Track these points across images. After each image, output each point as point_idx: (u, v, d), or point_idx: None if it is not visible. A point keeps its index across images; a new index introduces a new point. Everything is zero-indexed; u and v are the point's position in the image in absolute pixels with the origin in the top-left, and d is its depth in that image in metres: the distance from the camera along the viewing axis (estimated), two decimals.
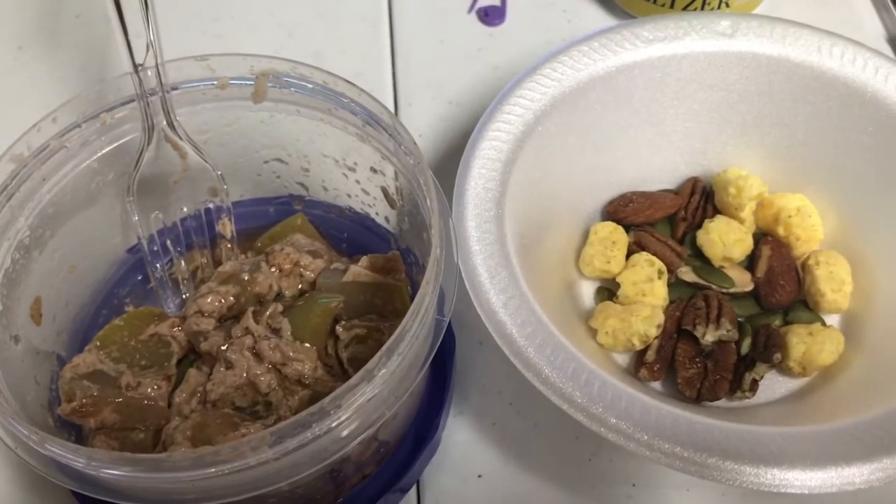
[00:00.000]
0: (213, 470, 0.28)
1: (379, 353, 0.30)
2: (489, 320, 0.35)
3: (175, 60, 0.37)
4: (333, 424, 0.29)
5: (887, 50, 0.53)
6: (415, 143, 0.35)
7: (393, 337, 0.30)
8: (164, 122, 0.38)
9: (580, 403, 0.33)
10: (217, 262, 0.42)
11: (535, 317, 0.35)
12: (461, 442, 0.40)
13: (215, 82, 0.38)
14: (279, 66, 0.38)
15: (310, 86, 0.38)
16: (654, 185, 0.46)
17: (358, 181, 0.41)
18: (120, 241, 0.42)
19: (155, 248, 0.41)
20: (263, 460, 0.28)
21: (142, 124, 0.38)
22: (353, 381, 0.29)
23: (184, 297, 0.42)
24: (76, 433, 0.37)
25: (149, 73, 0.36)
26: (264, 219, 0.44)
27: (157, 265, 0.41)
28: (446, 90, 0.52)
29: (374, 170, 0.40)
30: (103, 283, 0.42)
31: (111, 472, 0.28)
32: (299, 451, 0.29)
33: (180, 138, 0.39)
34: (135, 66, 0.36)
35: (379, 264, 0.40)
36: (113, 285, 0.42)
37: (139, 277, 0.42)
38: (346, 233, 0.44)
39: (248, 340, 0.37)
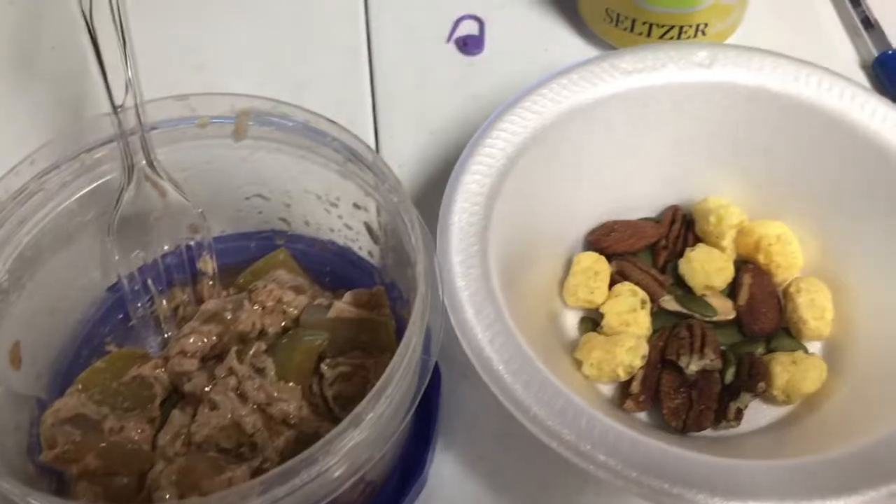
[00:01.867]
0: None
1: (367, 397, 0.30)
2: (475, 357, 0.35)
3: (155, 101, 0.37)
4: (322, 470, 0.29)
5: (861, 75, 0.54)
6: (398, 181, 0.35)
7: (381, 380, 0.30)
8: (144, 162, 0.38)
9: (569, 441, 0.33)
10: (199, 300, 0.42)
11: (521, 353, 0.35)
12: (448, 477, 0.39)
13: (195, 121, 0.38)
14: (260, 105, 0.38)
15: (290, 124, 0.38)
16: (635, 213, 0.46)
17: (340, 216, 0.41)
18: (99, 281, 0.42)
19: (136, 287, 0.40)
20: None
21: (121, 164, 0.37)
22: (341, 426, 0.29)
23: (165, 335, 0.41)
24: (57, 479, 0.36)
25: (128, 112, 0.36)
26: (246, 254, 0.43)
27: (139, 304, 0.41)
28: (426, 120, 0.52)
29: (356, 206, 0.40)
30: (83, 324, 0.41)
31: None
32: (288, 498, 0.29)
33: (160, 177, 0.38)
34: (114, 107, 0.36)
35: (363, 300, 0.40)
36: (93, 325, 0.41)
37: (120, 316, 0.42)
38: (329, 266, 0.43)
39: (233, 381, 0.37)
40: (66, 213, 0.38)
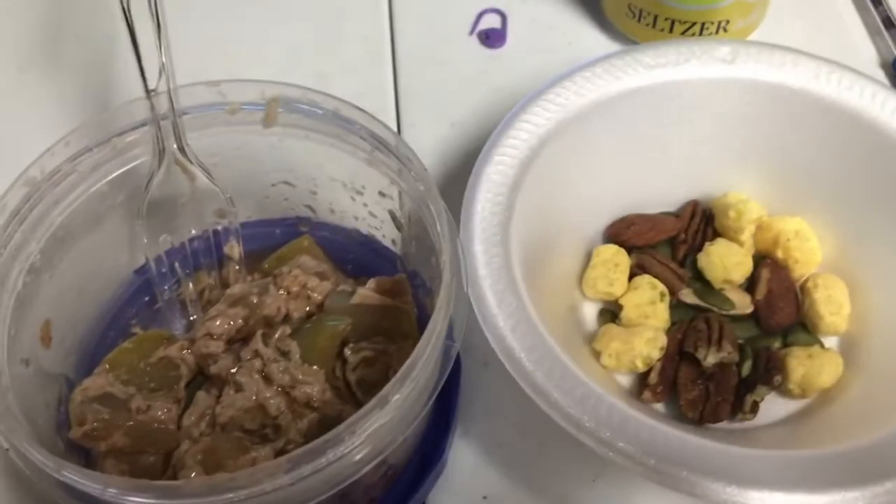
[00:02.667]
0: (229, 496, 0.28)
1: (392, 381, 0.30)
2: (498, 346, 0.35)
3: (187, 86, 0.38)
4: (347, 450, 0.29)
5: (881, 74, 0.54)
6: (425, 170, 0.36)
7: (406, 364, 0.31)
8: (175, 146, 0.38)
9: (588, 428, 0.34)
10: (224, 284, 0.42)
11: (543, 342, 0.36)
12: (467, 463, 0.40)
13: (226, 107, 0.39)
14: (290, 93, 0.38)
15: (320, 111, 0.39)
16: (654, 207, 0.47)
17: (366, 204, 0.42)
18: (127, 263, 0.42)
19: (163, 270, 0.41)
20: (279, 486, 0.29)
21: (153, 148, 0.38)
22: (366, 407, 0.30)
23: (191, 318, 0.42)
24: (85, 456, 0.37)
25: (160, 97, 0.37)
26: (271, 240, 0.44)
27: (165, 286, 0.42)
28: (448, 112, 0.53)
29: (382, 194, 0.40)
30: (111, 305, 0.42)
31: (128, 499, 0.28)
32: (313, 477, 0.29)
33: (190, 162, 0.39)
34: (147, 91, 0.37)
35: (386, 287, 0.40)
36: (120, 307, 0.42)
37: (146, 299, 0.42)
38: (352, 254, 0.44)
39: (258, 363, 0.37)
40: (98, 195, 0.38)
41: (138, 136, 0.38)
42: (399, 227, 0.41)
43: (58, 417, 0.37)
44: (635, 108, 0.44)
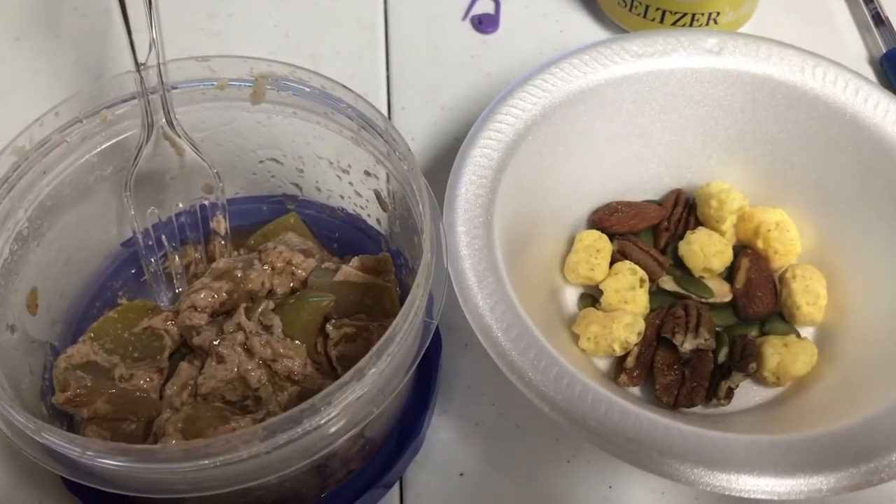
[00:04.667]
0: (205, 462, 0.29)
1: (369, 354, 0.31)
2: (476, 324, 0.36)
3: (176, 60, 0.38)
4: (323, 421, 0.30)
5: (868, 69, 0.55)
6: (409, 150, 0.36)
7: (383, 338, 0.31)
8: (164, 120, 0.39)
9: (561, 407, 0.34)
10: (210, 258, 0.43)
11: (520, 321, 0.36)
12: (444, 440, 0.41)
13: (215, 83, 0.39)
14: (278, 70, 0.39)
15: (307, 89, 0.39)
16: (638, 195, 0.47)
17: (351, 183, 0.42)
18: (115, 235, 0.43)
19: (150, 243, 0.42)
20: (254, 454, 0.29)
21: (142, 121, 0.39)
22: (343, 379, 0.30)
23: (177, 291, 0.43)
24: (68, 422, 0.38)
25: (150, 71, 0.37)
26: (258, 216, 0.44)
27: (152, 259, 0.42)
28: (439, 95, 0.53)
29: (367, 173, 0.41)
30: (97, 275, 0.42)
31: (105, 462, 0.29)
32: (289, 446, 0.30)
33: (178, 136, 0.40)
34: (137, 65, 0.37)
35: (369, 265, 0.41)
36: (107, 277, 0.42)
37: (133, 271, 0.43)
38: (337, 233, 0.44)
39: (240, 336, 0.38)
40: (87, 166, 0.39)
41: (128, 108, 0.39)
42: (384, 206, 0.41)
43: (42, 384, 0.38)
44: (622, 96, 0.44)
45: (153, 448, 0.29)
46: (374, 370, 0.31)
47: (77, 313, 0.41)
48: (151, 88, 0.38)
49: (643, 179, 0.47)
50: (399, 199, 0.39)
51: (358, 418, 0.32)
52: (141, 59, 0.37)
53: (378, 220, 0.43)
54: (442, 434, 0.41)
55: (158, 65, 0.37)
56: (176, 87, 0.39)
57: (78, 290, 0.41)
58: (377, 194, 0.41)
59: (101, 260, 0.43)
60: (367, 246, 0.43)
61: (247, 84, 0.39)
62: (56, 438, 0.29)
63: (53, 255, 0.39)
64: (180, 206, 0.42)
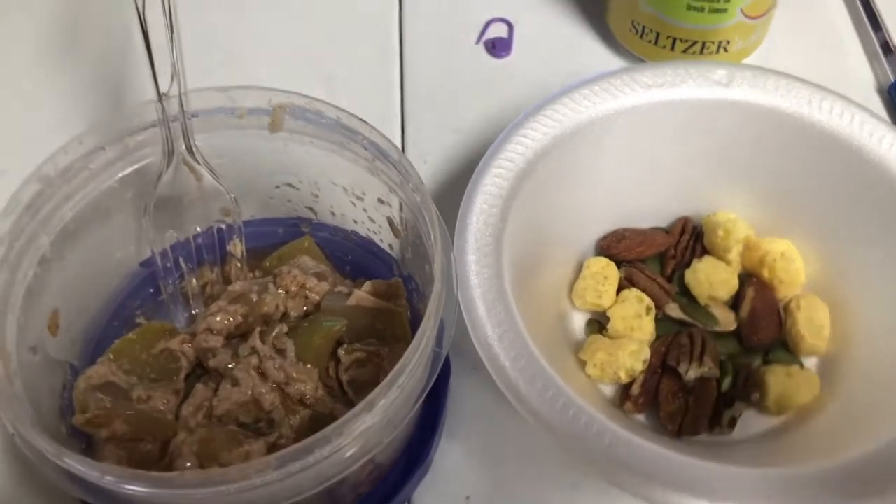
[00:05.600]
0: (220, 489, 0.30)
1: (381, 385, 0.32)
2: (485, 353, 0.37)
3: (197, 91, 0.39)
4: (335, 450, 0.31)
5: (877, 98, 0.55)
6: (421, 181, 0.37)
7: (394, 370, 0.32)
8: (184, 147, 0.40)
9: (566, 437, 0.35)
10: (226, 280, 0.44)
11: (528, 351, 0.37)
12: (452, 464, 0.42)
13: (234, 111, 0.40)
14: (296, 101, 0.40)
15: (324, 120, 0.40)
16: (646, 222, 0.48)
17: (365, 209, 0.43)
18: (134, 255, 0.44)
19: (168, 265, 0.43)
20: (267, 481, 0.30)
21: (162, 148, 0.40)
22: (354, 410, 0.31)
23: (193, 311, 0.44)
24: (86, 441, 0.39)
25: (171, 100, 0.38)
26: (273, 238, 0.45)
27: (169, 280, 0.43)
28: (453, 119, 0.54)
29: (381, 201, 0.42)
30: (116, 295, 0.43)
31: (125, 488, 0.30)
32: (301, 474, 0.31)
33: (198, 162, 0.41)
34: (159, 94, 0.38)
35: (381, 290, 0.42)
36: (125, 297, 0.43)
37: (151, 290, 0.44)
38: (350, 255, 0.45)
39: (254, 360, 0.39)
40: (108, 191, 0.40)
41: (148, 135, 0.40)
42: (396, 233, 0.42)
43: (62, 403, 0.39)
44: (631, 126, 0.45)
45: (170, 475, 0.30)
46: (384, 401, 0.32)
47: (97, 333, 0.42)
48: (172, 117, 0.39)
49: (651, 207, 0.48)
50: (411, 227, 0.40)
51: (369, 447, 0.33)
52: (163, 89, 0.38)
53: (390, 246, 0.44)
54: (449, 458, 0.42)
55: (180, 95, 0.38)
56: (196, 115, 0.40)
57: (97, 310, 0.43)
58: (390, 221, 0.42)
59: (120, 280, 0.44)
60: (378, 269, 0.44)
61: (265, 113, 0.40)
62: (76, 463, 0.30)
63: (74, 277, 0.40)
64: (198, 228, 0.43)
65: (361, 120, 0.39)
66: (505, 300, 0.39)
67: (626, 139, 0.45)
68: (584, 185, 0.46)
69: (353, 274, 0.45)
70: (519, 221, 0.42)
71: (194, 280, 0.44)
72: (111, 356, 0.40)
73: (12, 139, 0.53)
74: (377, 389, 0.32)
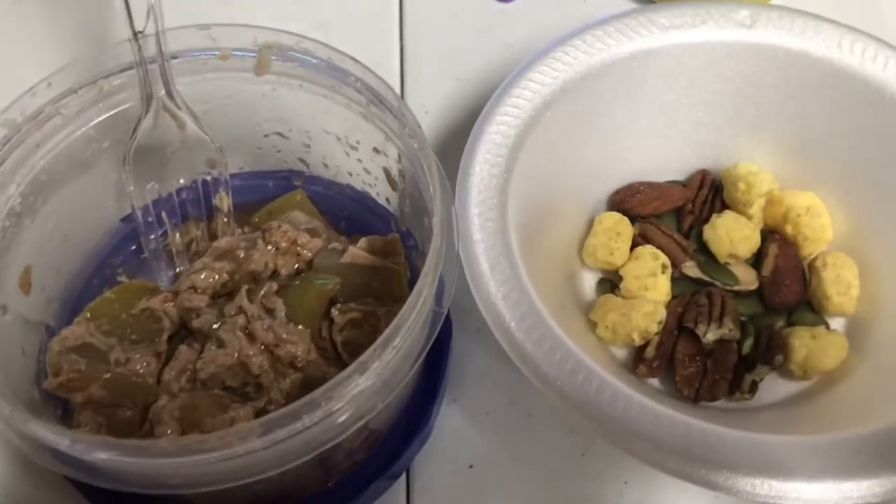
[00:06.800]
0: (200, 457, 0.27)
1: (374, 345, 0.29)
2: (488, 313, 0.34)
3: (176, 29, 0.36)
4: (325, 415, 0.28)
5: None
6: (419, 127, 0.34)
7: (389, 329, 0.29)
8: (163, 92, 0.37)
9: (577, 403, 0.33)
10: (213, 236, 0.41)
11: (535, 310, 0.35)
12: (454, 430, 0.39)
13: (217, 52, 0.37)
14: (284, 40, 0.37)
15: (314, 61, 0.37)
16: (661, 175, 0.45)
17: (360, 160, 0.40)
18: (114, 210, 0.41)
19: (150, 219, 0.40)
20: (252, 449, 0.28)
21: (140, 93, 0.37)
22: (346, 372, 0.29)
23: (177, 270, 0.41)
24: (63, 407, 0.36)
25: (148, 40, 0.35)
26: (262, 193, 0.43)
27: (152, 236, 0.40)
28: (454, 66, 0.51)
29: (376, 150, 0.39)
30: (96, 253, 0.41)
31: (95, 456, 0.27)
32: (289, 441, 0.28)
33: (179, 108, 0.38)
34: (134, 33, 0.35)
35: (378, 246, 0.39)
36: (106, 255, 0.41)
37: (132, 248, 0.41)
38: (345, 211, 0.43)
39: (241, 320, 0.36)
40: (83, 139, 0.37)
41: (126, 79, 0.37)
42: (394, 185, 0.39)
43: (37, 367, 0.36)
44: (647, 71, 0.42)
45: (144, 443, 0.27)
46: (378, 363, 0.29)
47: (75, 292, 0.40)
48: (150, 58, 0.36)
49: (667, 159, 0.45)
50: (409, 179, 0.37)
51: (362, 412, 0.30)
52: (138, 27, 0.35)
53: (387, 199, 0.41)
54: (451, 423, 0.39)
55: (157, 33, 0.35)
56: (176, 57, 0.37)
57: (76, 268, 0.40)
58: (387, 172, 0.39)
59: (100, 236, 0.41)
60: (375, 225, 0.41)
61: (251, 54, 0.37)
62: (43, 430, 0.28)
63: (49, 232, 0.38)
64: (181, 181, 0.41)
65: (355, 60, 0.36)
66: (510, 256, 0.36)
67: (641, 85, 0.42)
68: (596, 136, 0.43)
69: (348, 230, 0.42)
70: (525, 173, 0.39)
71: (178, 236, 0.41)
72: (88, 316, 0.37)
73: None
74: (370, 350, 0.29)
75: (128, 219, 0.41)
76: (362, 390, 0.29)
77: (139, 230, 0.40)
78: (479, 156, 0.38)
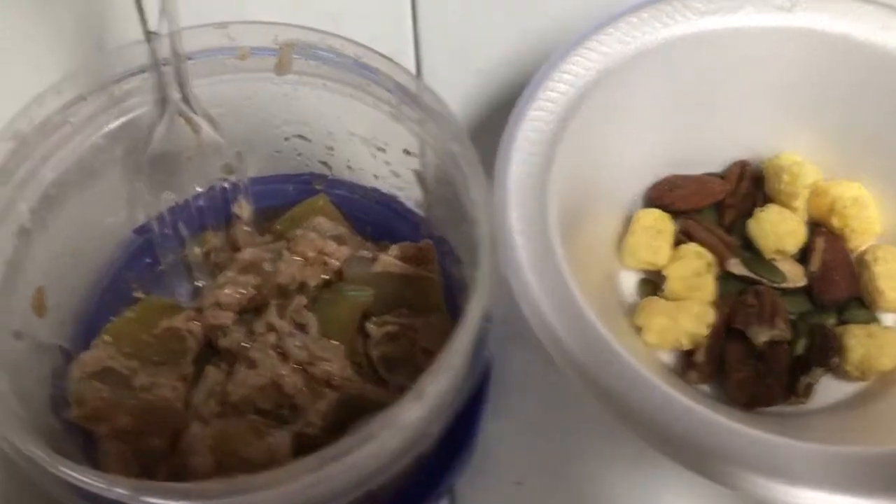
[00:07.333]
0: (248, 497, 0.25)
1: (429, 370, 0.27)
2: (537, 323, 0.32)
3: (191, 28, 0.33)
4: (379, 448, 0.26)
5: None
6: (461, 128, 0.32)
7: (446, 351, 0.27)
8: (179, 96, 0.34)
9: (628, 411, 0.31)
10: (233, 246, 0.39)
11: (585, 319, 0.33)
12: (499, 446, 0.37)
13: (235, 52, 0.35)
14: (307, 37, 0.34)
15: (339, 59, 0.35)
16: (696, 168, 0.43)
17: (388, 162, 0.38)
18: (125, 221, 0.39)
19: (166, 231, 0.38)
20: (306, 486, 0.26)
21: (154, 97, 0.34)
22: (402, 400, 0.27)
23: (196, 283, 0.39)
24: (84, 436, 0.34)
25: (162, 41, 0.33)
26: (282, 198, 0.40)
27: (168, 248, 0.38)
28: (475, 57, 0.48)
29: (407, 152, 0.36)
30: (108, 267, 0.38)
31: (138, 500, 0.25)
32: (340, 477, 0.26)
33: (195, 112, 0.35)
34: (147, 32, 0.32)
35: (410, 253, 0.37)
36: (119, 269, 0.38)
37: (147, 261, 0.39)
38: (370, 215, 0.40)
39: (272, 337, 0.34)
40: (94, 148, 0.35)
41: (137, 83, 0.35)
42: (426, 188, 0.37)
43: (52, 393, 0.34)
44: (682, 59, 0.40)
45: (189, 486, 0.25)
46: (435, 386, 0.27)
47: (89, 310, 0.37)
48: (163, 60, 0.33)
49: (702, 150, 0.43)
50: (443, 182, 0.35)
51: (418, 440, 0.28)
52: (151, 26, 0.32)
53: (417, 203, 0.39)
54: (496, 438, 0.37)
55: (172, 33, 0.32)
56: (191, 58, 0.34)
57: (88, 285, 0.37)
58: (418, 175, 0.37)
59: (112, 250, 0.38)
60: (402, 230, 0.39)
61: (271, 53, 0.35)
62: (76, 473, 0.26)
63: (59, 249, 0.35)
64: (198, 188, 0.38)
65: (384, 57, 0.33)
66: (554, 262, 0.34)
67: (676, 74, 0.40)
68: (631, 128, 0.41)
69: (374, 235, 0.40)
70: (562, 172, 0.37)
71: (196, 247, 0.38)
72: (107, 338, 0.35)
73: None
74: (425, 375, 0.27)
75: (141, 230, 0.39)
76: (420, 417, 0.27)
77: (155, 242, 0.38)
78: (516, 154, 0.36)
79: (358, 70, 0.34)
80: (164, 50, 0.33)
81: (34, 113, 0.32)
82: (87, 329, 0.36)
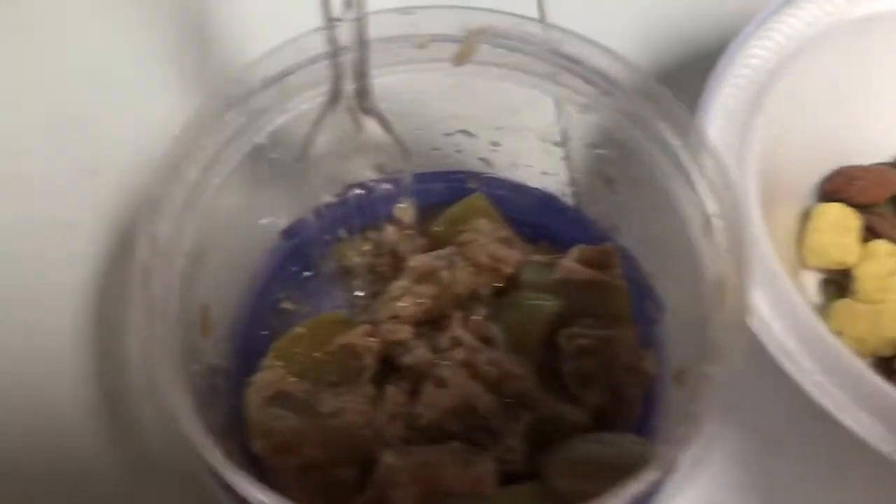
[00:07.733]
0: None
1: (707, 399, 0.24)
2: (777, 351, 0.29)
3: (374, 13, 0.30)
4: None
5: None
6: (690, 116, 0.29)
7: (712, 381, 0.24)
8: (354, 88, 0.31)
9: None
10: (391, 251, 0.36)
11: (818, 332, 0.30)
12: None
13: (414, 41, 0.31)
14: (499, 23, 0.31)
15: (530, 47, 0.31)
16: (867, 158, 0.40)
17: (567, 157, 0.35)
18: (272, 224, 0.35)
19: (325, 236, 0.34)
20: None
21: (329, 91, 0.31)
22: (681, 434, 0.24)
23: (354, 292, 0.35)
24: (252, 460, 0.31)
25: (342, 29, 0.29)
26: (432, 197, 0.37)
27: (323, 252, 0.35)
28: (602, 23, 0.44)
29: (593, 146, 0.33)
30: (257, 277, 0.35)
31: None
32: None
33: (370, 107, 0.32)
34: (329, 19, 0.29)
35: (590, 258, 0.34)
36: (267, 279, 0.35)
37: (294, 268, 0.36)
38: (527, 215, 0.37)
39: (460, 353, 0.31)
40: (254, 151, 0.32)
41: (304, 77, 0.31)
42: (612, 188, 0.34)
43: (226, 420, 0.31)
44: (876, 37, 0.37)
45: None
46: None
47: (241, 325, 0.34)
48: (340, 50, 0.30)
49: (880, 137, 0.40)
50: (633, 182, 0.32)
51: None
52: (336, 13, 0.29)
53: (587, 202, 0.36)
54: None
55: (359, 18, 0.29)
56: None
57: (238, 298, 0.34)
58: (604, 175, 0.34)
59: (260, 257, 0.35)
60: (567, 232, 0.36)
61: (453, 41, 0.32)
62: None
63: (220, 260, 0.32)
64: (355, 189, 0.35)
65: (594, 43, 0.30)
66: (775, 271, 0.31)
67: (865, 54, 0.37)
68: (809, 115, 0.38)
69: (533, 238, 0.36)
70: (753, 166, 0.34)
71: (353, 252, 0.35)
72: (276, 359, 0.32)
73: (102, 133, 0.41)
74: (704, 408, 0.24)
75: (288, 233, 0.36)
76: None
77: (307, 247, 0.35)
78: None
79: (552, 58, 0.31)
80: (342, 38, 0.30)
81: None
82: (245, 347, 0.33)
